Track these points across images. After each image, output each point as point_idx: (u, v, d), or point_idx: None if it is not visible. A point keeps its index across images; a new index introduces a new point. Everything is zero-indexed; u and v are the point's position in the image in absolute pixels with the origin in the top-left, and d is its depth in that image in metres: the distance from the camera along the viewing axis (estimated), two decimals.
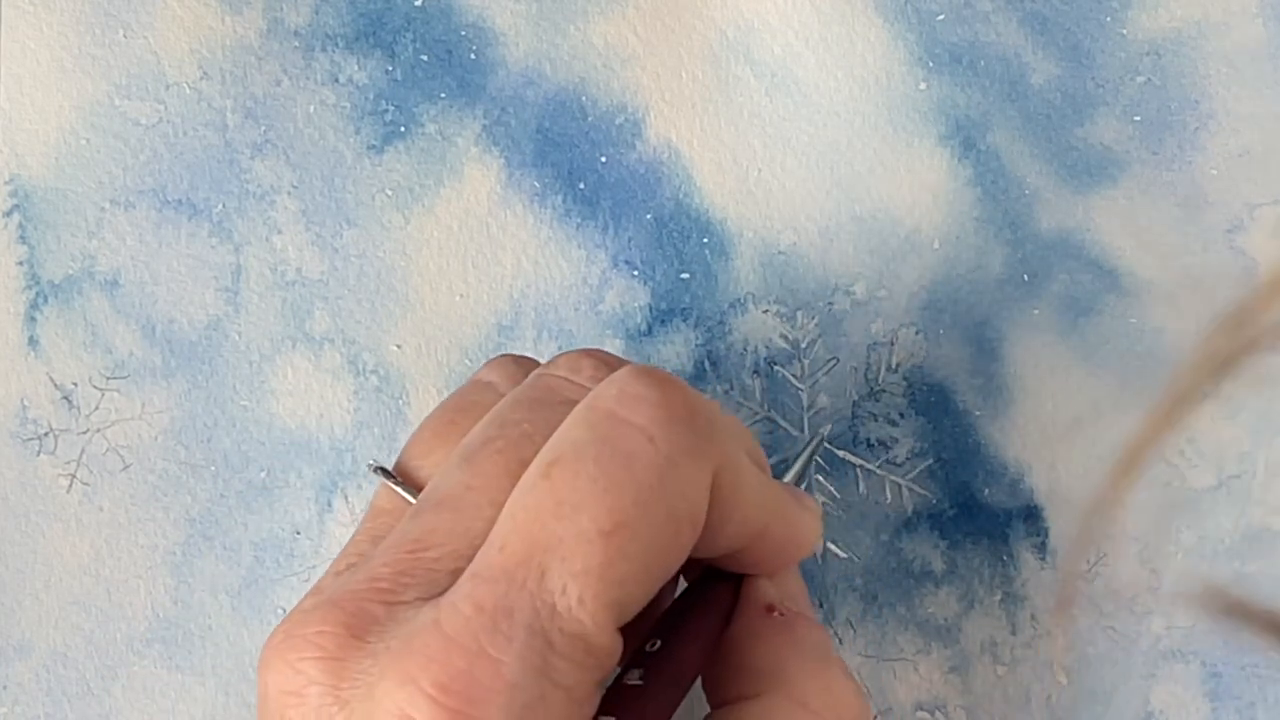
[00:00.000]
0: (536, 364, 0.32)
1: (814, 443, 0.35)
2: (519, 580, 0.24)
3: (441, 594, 0.24)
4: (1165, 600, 0.36)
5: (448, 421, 0.31)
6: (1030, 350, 0.37)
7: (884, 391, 0.37)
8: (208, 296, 0.37)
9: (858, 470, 0.36)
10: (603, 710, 0.25)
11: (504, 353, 0.35)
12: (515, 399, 0.29)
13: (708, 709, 0.28)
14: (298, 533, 0.36)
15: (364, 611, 0.25)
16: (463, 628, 0.23)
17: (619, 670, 0.27)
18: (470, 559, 0.25)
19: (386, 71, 0.37)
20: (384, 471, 0.30)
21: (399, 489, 0.30)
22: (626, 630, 0.25)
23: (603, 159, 0.37)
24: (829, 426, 0.36)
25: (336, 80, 0.37)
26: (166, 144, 0.37)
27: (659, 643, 0.28)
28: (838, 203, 0.37)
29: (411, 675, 0.23)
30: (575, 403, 0.27)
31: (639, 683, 0.26)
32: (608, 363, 0.29)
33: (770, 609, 0.29)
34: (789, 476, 0.34)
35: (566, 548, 0.24)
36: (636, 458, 0.25)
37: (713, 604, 0.30)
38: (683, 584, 0.31)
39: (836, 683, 0.28)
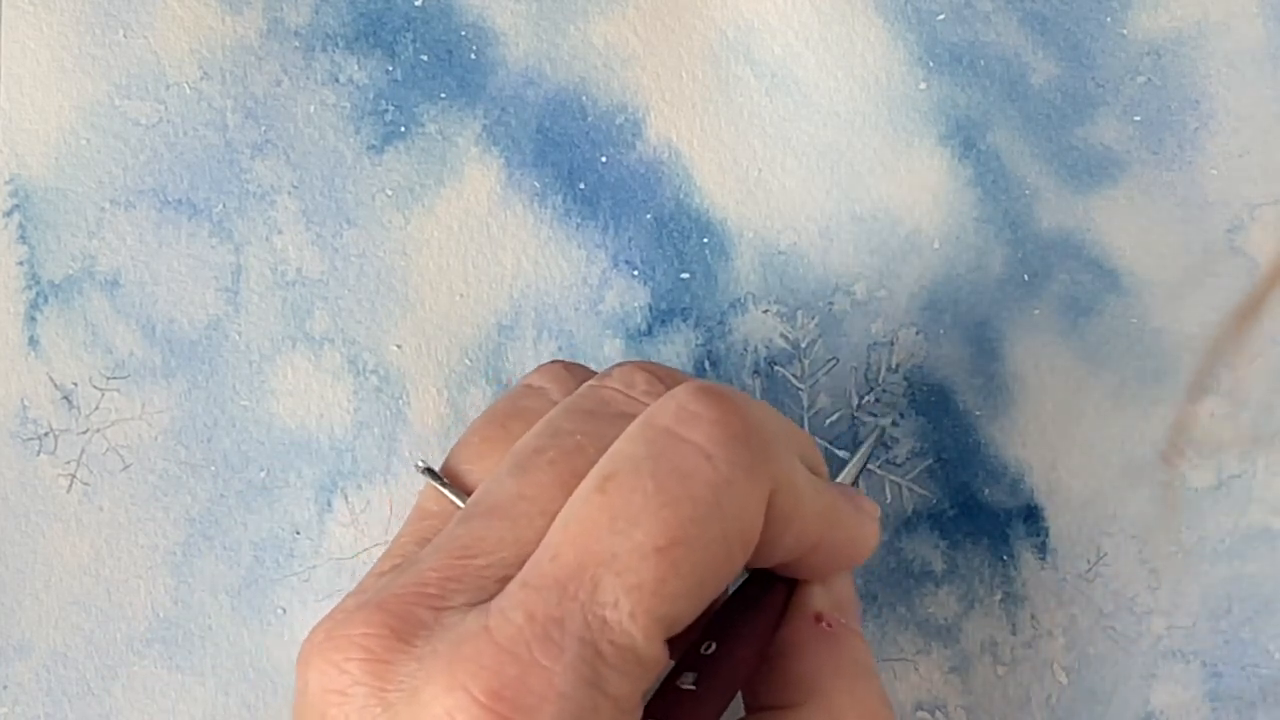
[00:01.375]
0: (588, 371, 0.32)
1: (873, 437, 0.35)
2: (571, 591, 0.24)
3: (489, 601, 0.25)
4: (1165, 600, 0.36)
5: (499, 426, 0.31)
6: (1030, 350, 0.37)
7: (884, 392, 0.37)
8: (208, 296, 0.37)
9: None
10: (654, 713, 0.25)
11: (556, 359, 0.35)
12: (568, 409, 0.29)
13: (742, 711, 0.28)
14: (297, 532, 0.36)
15: (410, 615, 0.25)
16: (514, 636, 0.24)
17: (670, 668, 0.27)
18: (519, 568, 0.25)
19: (387, 71, 0.37)
20: (432, 473, 0.30)
21: (447, 492, 0.30)
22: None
23: (603, 159, 0.37)
24: (889, 420, 0.36)
25: (337, 80, 0.37)
26: (167, 144, 0.37)
27: (714, 645, 0.28)
28: (838, 203, 0.37)
29: (461, 681, 0.23)
30: (629, 416, 0.27)
31: (692, 687, 0.26)
32: (661, 377, 0.29)
33: (819, 619, 0.29)
34: (845, 476, 0.34)
35: (620, 562, 0.24)
36: (694, 476, 0.25)
37: (766, 607, 0.30)
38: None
39: (872, 700, 0.28)
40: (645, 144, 0.37)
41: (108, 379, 0.36)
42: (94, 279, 0.37)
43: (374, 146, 0.37)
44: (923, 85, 0.37)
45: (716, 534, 0.25)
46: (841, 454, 0.36)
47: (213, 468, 0.36)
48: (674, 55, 0.37)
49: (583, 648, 0.24)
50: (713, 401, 0.26)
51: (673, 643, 0.25)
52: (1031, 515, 0.36)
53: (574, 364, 0.33)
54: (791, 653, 0.29)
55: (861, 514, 0.30)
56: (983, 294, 0.37)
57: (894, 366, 0.37)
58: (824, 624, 0.29)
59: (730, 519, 0.25)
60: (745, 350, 0.37)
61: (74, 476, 0.36)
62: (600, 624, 0.24)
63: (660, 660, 0.24)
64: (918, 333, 0.37)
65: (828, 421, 0.36)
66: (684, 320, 0.37)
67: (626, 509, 0.24)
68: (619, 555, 0.24)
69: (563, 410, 0.29)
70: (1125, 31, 0.37)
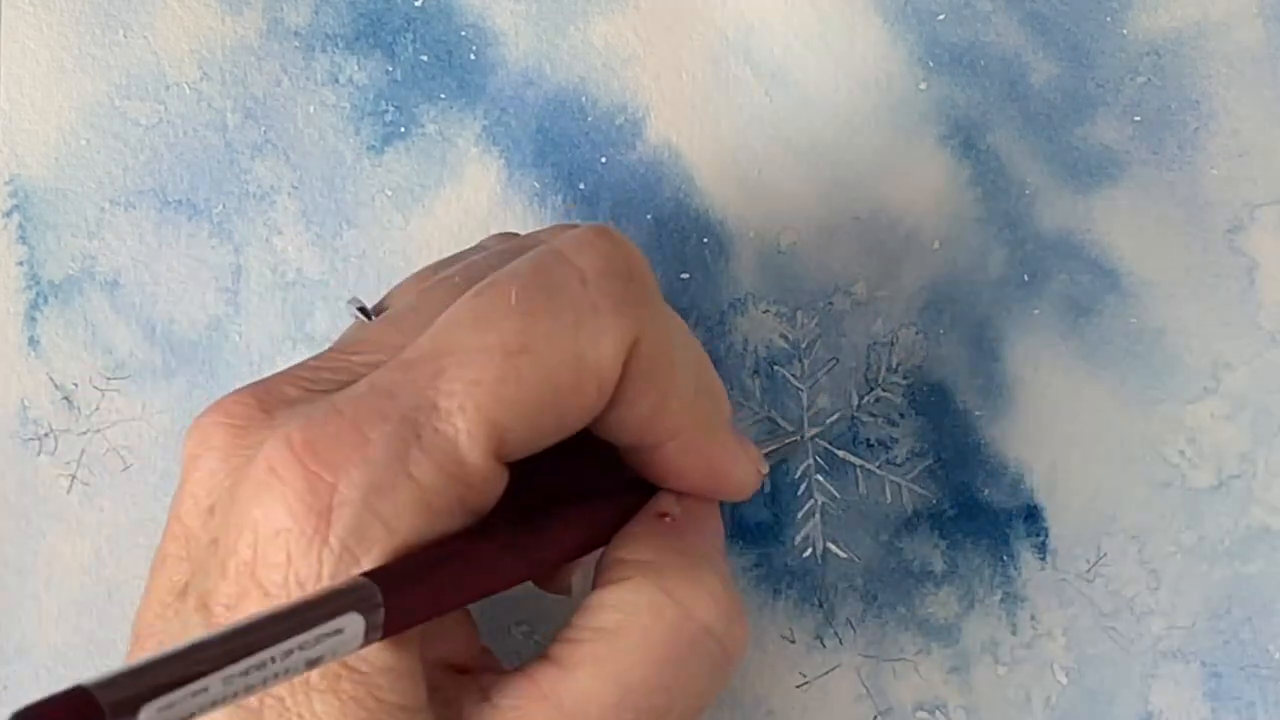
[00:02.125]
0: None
1: (785, 445, 0.35)
2: (415, 372, 0.24)
3: None
4: (1165, 600, 0.36)
5: (432, 269, 0.32)
6: (1030, 350, 0.37)
7: (884, 391, 0.37)
8: (208, 297, 0.37)
9: (858, 470, 0.36)
10: (454, 540, 0.25)
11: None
12: (491, 251, 0.29)
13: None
14: None
15: (278, 391, 0.26)
16: (348, 401, 0.24)
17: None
18: None
19: (386, 72, 0.37)
20: (363, 310, 0.31)
21: (363, 317, 0.30)
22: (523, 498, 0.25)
23: (603, 159, 0.37)
24: (796, 435, 0.36)
25: (336, 80, 0.37)
26: (166, 144, 0.37)
27: (545, 516, 0.28)
28: (838, 203, 0.37)
29: (288, 433, 0.24)
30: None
31: (499, 535, 0.26)
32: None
33: (663, 515, 0.29)
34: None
35: (467, 356, 0.24)
36: (562, 292, 0.25)
37: (615, 503, 0.29)
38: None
39: (709, 580, 0.27)
40: (645, 144, 0.37)
41: (108, 379, 0.36)
42: (94, 279, 0.37)
43: (374, 147, 0.37)
44: (923, 85, 0.37)
45: (570, 356, 0.25)
46: (839, 454, 0.36)
47: None
48: (674, 55, 0.37)
49: (404, 425, 0.24)
50: (610, 238, 0.27)
51: (518, 488, 0.25)
52: (1031, 515, 0.36)
53: (526, 234, 0.33)
54: (630, 541, 0.28)
55: (744, 449, 0.30)
56: (983, 294, 0.37)
57: (894, 366, 0.37)
58: (668, 518, 0.29)
59: (588, 345, 0.25)
60: (745, 350, 0.37)
61: (74, 477, 0.36)
62: (430, 408, 0.24)
63: (484, 472, 0.24)
64: (918, 333, 0.37)
65: (828, 421, 0.36)
66: (684, 320, 0.37)
67: (490, 311, 0.25)
68: (468, 349, 0.24)
69: (486, 253, 0.30)
70: (1125, 31, 0.37)
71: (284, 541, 0.23)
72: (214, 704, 0.19)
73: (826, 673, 0.36)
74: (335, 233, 0.37)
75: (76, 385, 0.36)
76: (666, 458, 0.29)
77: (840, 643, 0.36)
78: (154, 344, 0.37)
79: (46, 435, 0.36)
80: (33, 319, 0.37)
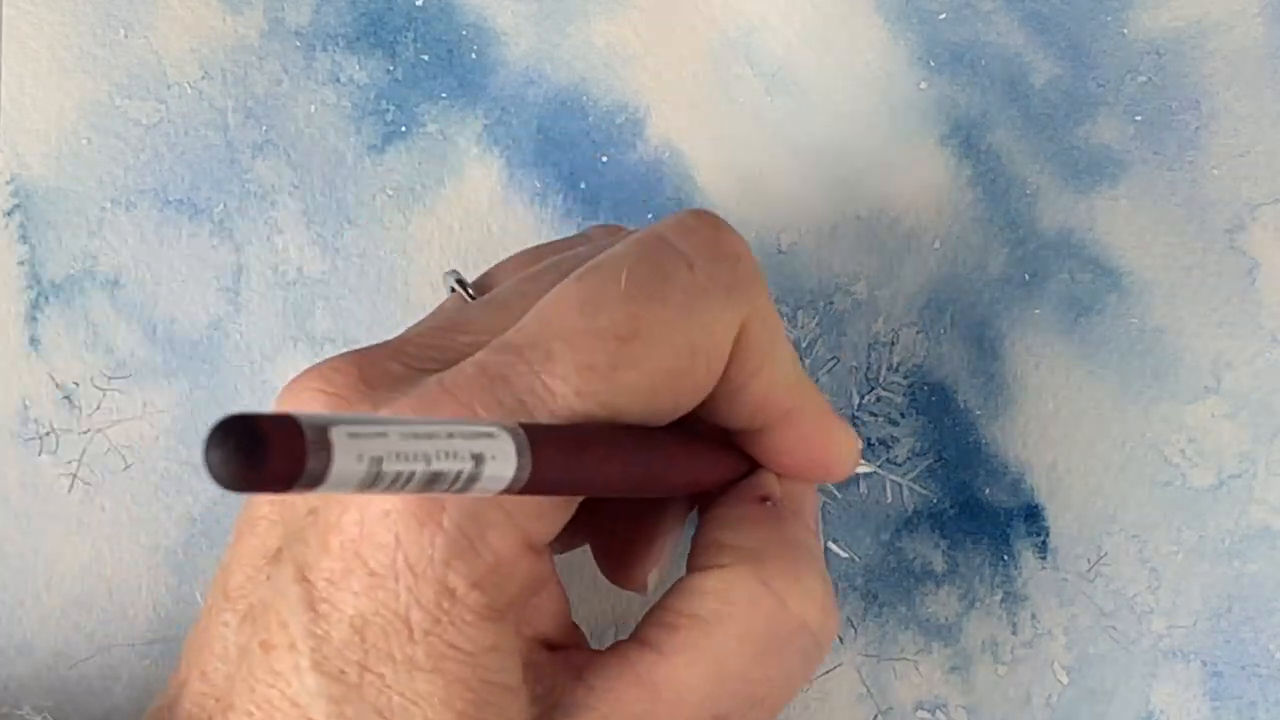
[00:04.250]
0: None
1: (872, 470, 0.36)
2: (525, 356, 0.24)
3: None
4: (1165, 600, 0.36)
5: (534, 252, 0.31)
6: (1030, 350, 0.37)
7: (885, 391, 0.37)
8: (209, 296, 0.37)
9: (858, 470, 0.36)
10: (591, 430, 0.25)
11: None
12: (596, 242, 0.29)
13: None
14: None
15: (382, 366, 0.25)
16: (460, 382, 0.24)
17: None
18: None
19: (387, 71, 0.37)
20: (461, 282, 0.31)
21: (463, 291, 0.30)
22: None
23: (603, 159, 0.37)
24: None
25: (337, 80, 0.37)
26: (167, 144, 0.37)
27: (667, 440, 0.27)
28: (838, 203, 0.37)
29: (398, 411, 0.23)
30: None
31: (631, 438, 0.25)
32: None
33: (764, 499, 0.29)
34: None
35: (578, 340, 0.24)
36: (671, 277, 0.25)
37: (723, 450, 0.29)
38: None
39: (807, 575, 0.27)
40: (645, 144, 0.37)
41: (109, 379, 0.36)
42: (95, 279, 0.37)
43: (375, 146, 0.37)
44: (923, 85, 0.37)
45: (682, 341, 0.25)
46: None
47: None
48: (674, 55, 0.37)
49: (520, 408, 0.23)
50: (712, 220, 0.26)
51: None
52: (1032, 515, 0.36)
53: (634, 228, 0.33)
54: (730, 524, 0.28)
55: (844, 430, 0.30)
56: (983, 294, 0.37)
57: (894, 366, 0.37)
58: (769, 503, 0.29)
59: (699, 330, 0.25)
60: None
61: (75, 476, 0.36)
62: (545, 391, 0.24)
63: None
64: (918, 332, 0.37)
65: None
66: None
67: (598, 296, 0.24)
68: (580, 334, 0.24)
69: (590, 240, 0.29)
70: (1126, 31, 0.37)
71: (392, 522, 0.23)
72: (394, 458, 0.18)
73: (827, 672, 0.36)
74: (336, 232, 0.37)
75: (77, 385, 0.36)
76: (775, 439, 0.29)
77: (841, 642, 0.36)
78: (155, 343, 0.37)
79: (47, 435, 0.36)
80: (34, 318, 0.37)
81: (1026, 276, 0.37)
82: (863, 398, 0.37)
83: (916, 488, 0.36)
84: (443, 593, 0.23)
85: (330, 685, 0.23)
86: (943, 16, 0.37)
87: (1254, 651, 0.36)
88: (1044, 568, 0.36)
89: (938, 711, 0.36)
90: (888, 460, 0.36)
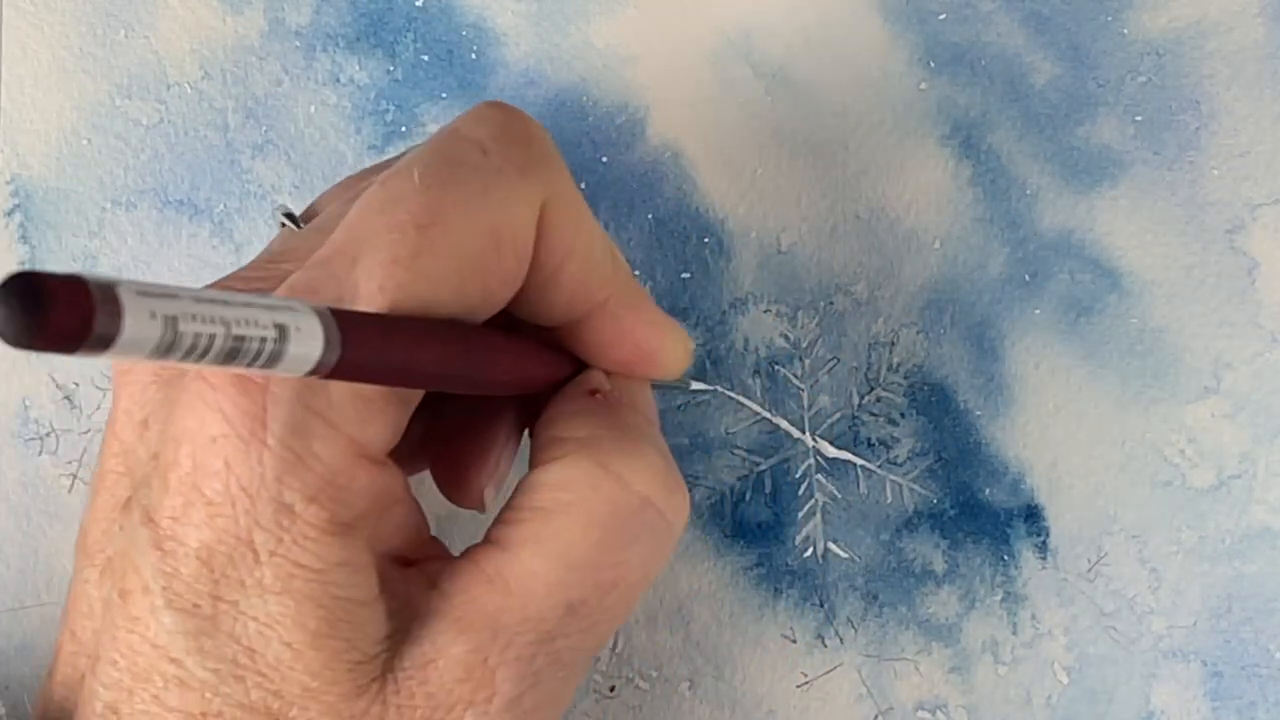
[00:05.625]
0: None
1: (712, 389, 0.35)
2: (331, 266, 0.24)
3: None
4: (1165, 600, 0.36)
5: (356, 177, 0.32)
6: (1030, 350, 0.37)
7: (885, 391, 0.37)
8: None
9: (858, 470, 0.36)
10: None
11: None
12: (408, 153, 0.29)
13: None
14: None
15: None
16: None
17: None
18: None
19: (388, 71, 0.37)
20: (290, 217, 0.31)
21: (291, 224, 0.30)
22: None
23: (603, 159, 0.37)
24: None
25: (337, 80, 0.37)
26: (168, 144, 0.37)
27: (493, 334, 0.27)
28: (838, 203, 0.37)
29: None
30: None
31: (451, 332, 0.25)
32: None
33: (594, 392, 0.29)
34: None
35: (380, 238, 0.24)
36: (464, 163, 0.25)
37: (550, 353, 0.29)
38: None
39: (647, 453, 0.27)
40: (645, 144, 0.37)
41: (109, 379, 0.36)
42: None
43: (375, 147, 0.37)
44: (923, 85, 0.37)
45: (483, 224, 0.25)
46: (840, 454, 0.36)
47: None
48: (674, 55, 0.37)
49: None
50: (502, 107, 0.27)
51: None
52: (1032, 515, 0.36)
53: None
54: (563, 419, 0.28)
55: (672, 325, 0.30)
56: (983, 294, 0.37)
57: (895, 366, 0.37)
58: (599, 395, 0.29)
59: (498, 210, 0.25)
60: (746, 350, 0.37)
61: (75, 476, 0.36)
62: (352, 295, 0.24)
63: None
64: (918, 332, 0.37)
65: (828, 421, 0.36)
66: (684, 320, 0.37)
67: (396, 193, 0.24)
68: (379, 232, 0.24)
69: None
70: (1125, 31, 0.37)
71: (220, 448, 0.23)
72: (190, 319, 0.18)
73: (827, 672, 0.36)
74: None
75: (78, 385, 0.36)
76: (594, 329, 0.29)
77: (841, 642, 0.36)
78: None
79: (48, 435, 0.36)
80: None
81: (1026, 276, 0.37)
82: (863, 398, 0.37)
83: (916, 488, 0.36)
84: (280, 510, 0.23)
85: (186, 620, 0.23)
86: (943, 17, 0.37)
87: (1254, 651, 0.36)
88: (1044, 568, 0.36)
89: (938, 712, 0.36)
90: (888, 460, 0.36)
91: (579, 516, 0.26)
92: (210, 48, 0.37)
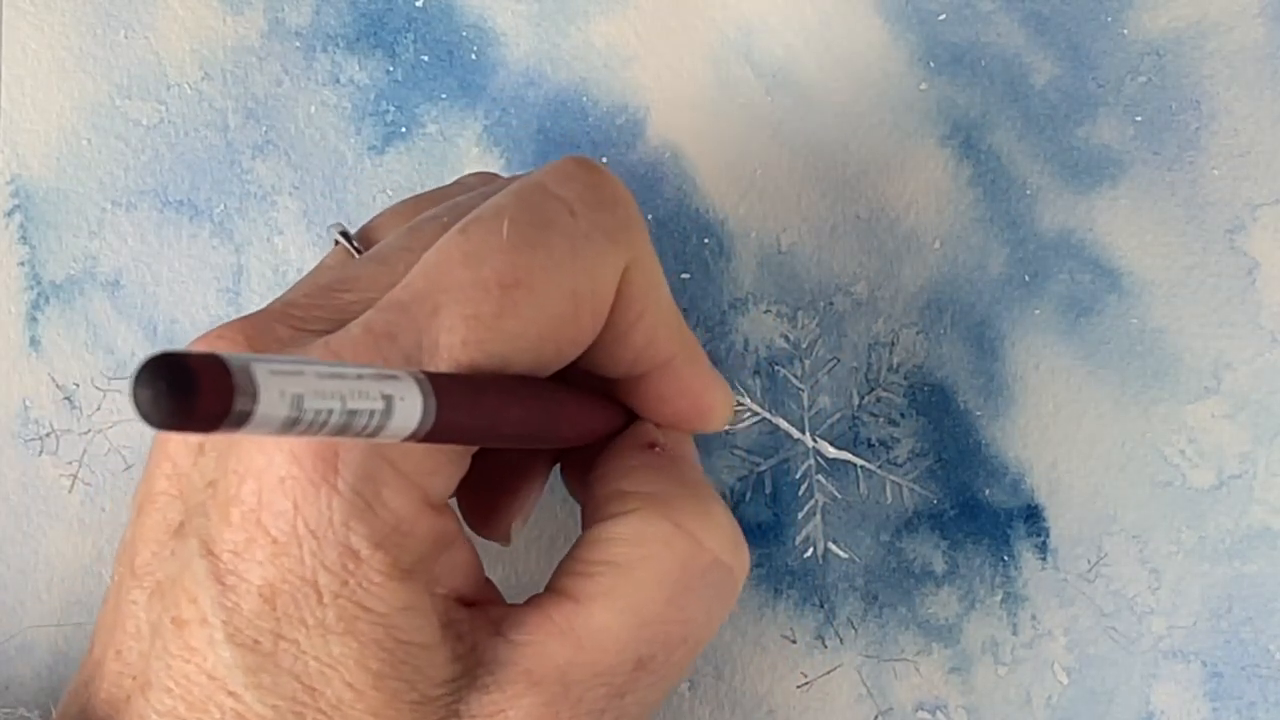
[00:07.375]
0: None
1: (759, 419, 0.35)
2: (411, 313, 0.24)
3: None
4: (1165, 600, 0.36)
5: (414, 202, 0.31)
6: (1031, 350, 0.37)
7: (885, 391, 0.37)
8: (209, 297, 0.37)
9: (858, 470, 0.36)
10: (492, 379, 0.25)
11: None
12: (476, 191, 0.29)
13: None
14: None
15: (268, 329, 0.25)
16: (346, 344, 0.24)
17: None
18: None
19: (387, 72, 0.37)
20: (345, 235, 0.30)
21: (348, 244, 0.30)
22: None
23: (604, 159, 0.37)
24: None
25: (337, 80, 0.37)
26: (168, 144, 0.37)
27: (561, 390, 0.27)
28: (838, 203, 0.37)
29: None
30: None
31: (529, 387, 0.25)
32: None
33: (653, 445, 0.29)
34: None
35: (463, 292, 0.24)
36: (553, 224, 0.25)
37: (608, 404, 0.29)
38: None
39: (715, 512, 0.27)
40: (645, 144, 0.37)
41: (109, 379, 0.37)
42: (95, 279, 0.37)
43: (375, 147, 0.37)
44: (923, 85, 0.37)
45: (566, 286, 0.25)
46: (842, 454, 0.36)
47: None
48: (674, 55, 0.37)
49: (406, 365, 0.23)
50: (590, 167, 0.27)
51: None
52: (1032, 515, 0.36)
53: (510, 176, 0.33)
54: (627, 473, 0.28)
55: (720, 381, 0.30)
56: (983, 294, 0.37)
57: (894, 366, 0.37)
58: (658, 449, 0.29)
59: (582, 275, 0.25)
60: (746, 350, 0.37)
61: (76, 477, 0.36)
62: (431, 346, 0.24)
63: None
64: (918, 333, 0.37)
65: (829, 422, 0.36)
66: (684, 319, 0.37)
67: (481, 248, 0.24)
68: (463, 286, 0.24)
69: (469, 189, 0.29)
70: (1125, 31, 0.37)
71: (289, 489, 0.23)
72: (313, 396, 0.18)
73: (827, 673, 0.36)
74: None
75: (78, 385, 0.36)
76: (655, 386, 0.29)
77: (841, 643, 0.36)
78: (155, 344, 0.37)
79: (48, 435, 0.36)
80: (34, 319, 0.37)
81: (1026, 276, 0.37)
82: (863, 398, 0.37)
83: (916, 488, 0.36)
84: (346, 554, 0.23)
85: (245, 656, 0.23)
86: (943, 17, 0.37)
87: (1254, 651, 0.36)
88: (1044, 568, 0.36)
89: (938, 712, 0.36)
90: (888, 460, 0.36)
91: (652, 573, 0.26)
92: (210, 48, 0.37)
